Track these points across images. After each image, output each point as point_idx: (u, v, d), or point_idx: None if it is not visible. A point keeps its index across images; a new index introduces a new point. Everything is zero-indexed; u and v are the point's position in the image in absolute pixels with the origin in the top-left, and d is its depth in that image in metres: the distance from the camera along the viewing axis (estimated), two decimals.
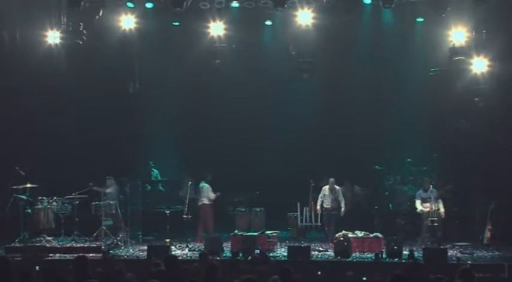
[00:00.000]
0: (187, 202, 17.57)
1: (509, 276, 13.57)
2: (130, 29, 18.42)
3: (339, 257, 15.37)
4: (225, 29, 18.49)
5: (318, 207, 17.52)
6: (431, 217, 16.48)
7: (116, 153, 19.39)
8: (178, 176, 19.43)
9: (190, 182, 17.81)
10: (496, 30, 17.14)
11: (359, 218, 18.19)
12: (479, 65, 17.38)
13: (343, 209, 17.52)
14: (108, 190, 18.13)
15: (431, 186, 17.02)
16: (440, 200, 16.78)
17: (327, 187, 17.69)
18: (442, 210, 16.67)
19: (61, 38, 17.58)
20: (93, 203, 17.57)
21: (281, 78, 19.90)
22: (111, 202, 17.65)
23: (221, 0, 17.67)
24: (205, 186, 18.12)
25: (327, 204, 17.57)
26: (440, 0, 16.97)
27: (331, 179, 17.70)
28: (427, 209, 16.68)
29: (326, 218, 17.56)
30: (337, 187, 17.69)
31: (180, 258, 15.21)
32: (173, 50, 19.43)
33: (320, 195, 17.67)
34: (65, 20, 17.57)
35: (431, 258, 14.43)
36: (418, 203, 17.01)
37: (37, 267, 13.49)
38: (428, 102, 19.06)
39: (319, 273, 14.03)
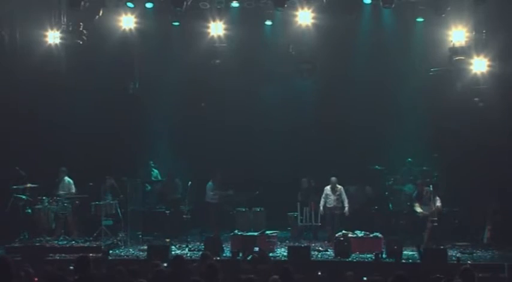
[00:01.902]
0: (187, 202, 17.61)
1: (509, 276, 13.57)
2: (130, 29, 18.46)
3: (339, 257, 15.37)
4: (225, 29, 18.52)
5: (321, 208, 17.43)
6: (432, 218, 16.47)
7: (116, 153, 19.38)
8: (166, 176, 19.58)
9: (190, 182, 17.84)
10: (496, 30, 17.13)
11: (359, 218, 18.16)
12: (479, 65, 17.37)
13: (346, 209, 17.48)
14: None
15: (430, 186, 17.02)
16: (437, 198, 16.74)
17: (328, 187, 17.67)
18: (439, 204, 16.58)
19: (61, 38, 17.56)
20: (93, 203, 17.56)
21: (281, 78, 19.89)
22: (111, 202, 17.64)
23: (221, 0, 17.69)
24: (207, 184, 18.65)
25: (330, 204, 17.54)
26: (440, 0, 16.98)
27: (333, 178, 17.68)
28: (427, 212, 16.65)
29: (329, 217, 17.51)
30: (339, 186, 17.66)
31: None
32: (173, 50, 19.42)
33: (322, 195, 17.65)
34: (65, 20, 17.57)
35: (431, 258, 14.42)
36: (417, 208, 16.95)
37: (37, 267, 13.49)
38: (428, 102, 19.04)
39: (319, 273, 14.02)
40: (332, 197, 17.60)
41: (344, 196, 17.61)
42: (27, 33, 18.17)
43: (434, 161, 18.99)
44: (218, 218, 18.67)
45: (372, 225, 17.61)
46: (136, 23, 18.33)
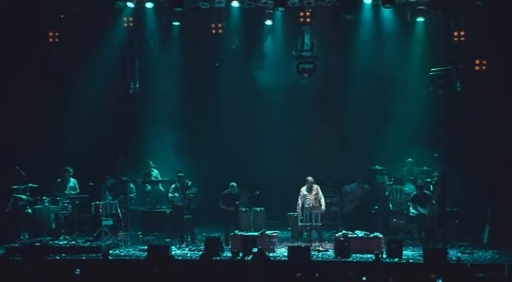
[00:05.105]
0: (187, 202, 17.61)
1: (509, 276, 13.57)
2: (130, 29, 18.45)
3: (339, 257, 15.37)
4: (225, 29, 18.51)
5: (299, 209, 17.15)
6: (432, 218, 16.48)
7: (116, 153, 19.35)
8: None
9: (190, 182, 17.81)
10: (496, 30, 17.15)
11: (359, 218, 18.15)
12: (479, 65, 17.38)
13: (323, 208, 17.15)
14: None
15: (430, 186, 16.99)
16: (432, 198, 16.76)
17: (304, 187, 17.41)
18: (433, 205, 16.60)
19: (61, 38, 17.58)
20: (93, 203, 17.55)
21: (281, 78, 19.90)
22: (111, 202, 17.63)
23: (221, 0, 17.71)
24: (170, 186, 18.14)
25: (308, 204, 17.13)
26: (440, 0, 17.00)
27: (309, 178, 17.35)
28: (426, 213, 16.67)
29: (308, 218, 17.09)
30: (315, 185, 17.38)
31: (180, 258, 15.35)
32: (173, 50, 19.44)
33: (299, 196, 17.35)
34: (65, 20, 17.59)
35: (431, 258, 14.42)
36: (413, 209, 16.97)
37: (37, 268, 13.51)
38: (428, 102, 19.04)
39: (316, 275, 14.00)
40: (309, 197, 17.23)
41: (321, 195, 17.27)
42: (27, 33, 18.17)
43: (434, 161, 18.98)
44: (185, 220, 17.75)
45: (371, 225, 17.61)
46: (136, 23, 18.33)
